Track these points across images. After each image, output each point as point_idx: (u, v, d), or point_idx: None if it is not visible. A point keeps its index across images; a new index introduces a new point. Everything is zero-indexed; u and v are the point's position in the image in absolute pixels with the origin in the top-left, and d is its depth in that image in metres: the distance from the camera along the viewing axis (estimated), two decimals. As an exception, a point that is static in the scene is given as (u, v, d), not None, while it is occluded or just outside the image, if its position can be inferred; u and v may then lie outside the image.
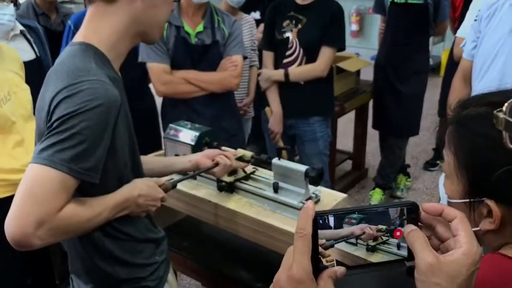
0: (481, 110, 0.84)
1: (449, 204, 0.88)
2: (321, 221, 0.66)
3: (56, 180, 1.05)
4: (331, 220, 0.68)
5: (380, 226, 0.69)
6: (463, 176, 0.84)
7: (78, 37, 1.22)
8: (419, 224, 0.69)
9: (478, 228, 0.83)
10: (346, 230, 0.68)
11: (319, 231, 0.66)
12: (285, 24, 2.68)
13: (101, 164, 1.12)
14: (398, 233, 0.69)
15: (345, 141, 4.36)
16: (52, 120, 1.08)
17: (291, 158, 2.77)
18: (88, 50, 1.17)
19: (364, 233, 0.69)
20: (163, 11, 1.25)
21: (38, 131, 1.20)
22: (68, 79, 1.10)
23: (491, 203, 0.80)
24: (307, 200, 1.55)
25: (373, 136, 4.07)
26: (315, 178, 1.52)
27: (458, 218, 0.65)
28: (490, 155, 0.80)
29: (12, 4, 1.89)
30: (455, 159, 0.85)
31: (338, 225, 0.68)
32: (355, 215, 0.69)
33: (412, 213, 0.69)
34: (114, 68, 1.23)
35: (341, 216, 0.68)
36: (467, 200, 0.84)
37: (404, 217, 0.70)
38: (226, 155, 1.60)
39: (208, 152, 1.61)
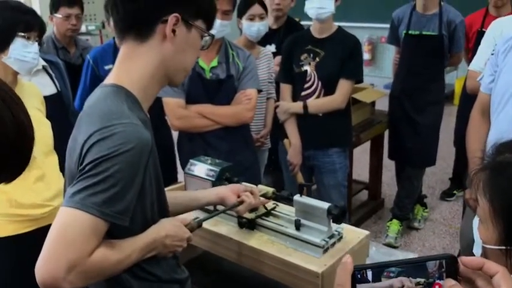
0: None
1: (484, 249, 0.87)
2: (359, 275, 0.66)
3: (88, 224, 1.05)
4: (369, 274, 0.67)
5: (418, 279, 0.69)
6: (499, 223, 0.83)
7: (110, 79, 1.23)
8: (458, 277, 0.68)
9: None
10: (385, 283, 0.68)
11: (358, 285, 0.65)
12: (302, 57, 2.70)
13: (132, 206, 1.12)
14: (437, 287, 0.68)
15: (361, 171, 4.35)
16: (84, 163, 1.08)
17: (309, 191, 2.76)
18: (120, 93, 1.18)
19: (403, 286, 0.68)
20: (190, 56, 1.27)
21: (68, 173, 1.21)
22: (100, 122, 1.10)
23: None
24: (329, 237, 1.53)
25: (388, 166, 4.05)
26: (337, 216, 1.50)
27: (500, 273, 0.64)
28: None
29: (37, 43, 1.93)
30: (490, 206, 0.84)
31: (376, 279, 0.67)
32: (393, 269, 0.68)
33: (450, 266, 0.68)
34: (144, 110, 1.23)
35: (379, 270, 0.67)
36: (504, 247, 0.83)
37: (443, 270, 0.69)
38: (253, 192, 1.59)
39: (234, 186, 1.60)
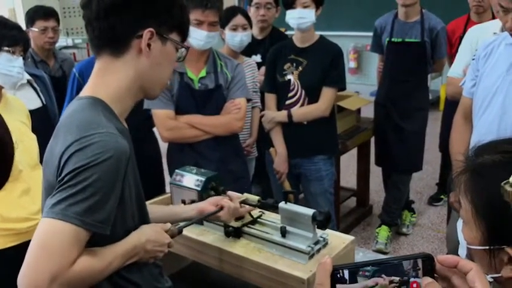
0: (496, 158, 0.85)
1: (469, 250, 0.88)
2: (338, 275, 0.68)
3: (69, 234, 1.05)
4: (346, 273, 0.69)
5: (393, 277, 0.70)
6: (481, 224, 0.85)
7: (86, 91, 1.24)
8: (434, 275, 0.69)
9: (499, 275, 0.82)
10: (360, 284, 0.69)
11: (337, 285, 0.67)
12: (286, 67, 2.73)
13: (113, 215, 1.13)
14: (415, 285, 0.70)
15: (348, 178, 4.37)
16: (63, 174, 1.08)
17: (296, 198, 2.76)
18: (96, 104, 1.19)
19: (377, 284, 0.70)
20: (166, 69, 1.29)
21: (46, 184, 1.21)
22: (78, 132, 1.11)
23: (511, 251, 0.81)
24: (315, 244, 1.55)
25: (375, 172, 4.08)
26: (322, 222, 1.52)
27: (474, 270, 0.66)
28: (507, 203, 0.81)
29: (21, 57, 1.94)
30: (472, 207, 0.86)
31: (353, 278, 0.69)
32: (369, 268, 0.69)
33: (427, 265, 0.70)
34: (121, 120, 1.25)
35: (356, 269, 0.69)
36: (487, 247, 0.84)
37: (418, 268, 0.70)
38: (231, 197, 1.61)
39: (211, 199, 1.63)
